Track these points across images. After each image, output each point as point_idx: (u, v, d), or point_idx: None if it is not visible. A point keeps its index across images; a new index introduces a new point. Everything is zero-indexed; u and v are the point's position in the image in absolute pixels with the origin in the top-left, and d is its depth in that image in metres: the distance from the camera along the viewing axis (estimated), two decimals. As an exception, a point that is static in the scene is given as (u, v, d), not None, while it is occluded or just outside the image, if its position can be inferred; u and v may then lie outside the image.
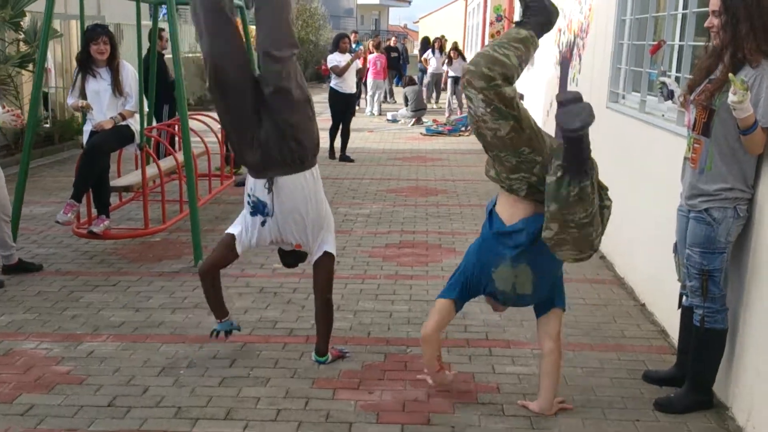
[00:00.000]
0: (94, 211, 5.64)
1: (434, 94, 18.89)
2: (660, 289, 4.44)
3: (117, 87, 5.33)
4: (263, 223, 3.64)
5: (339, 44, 10.38)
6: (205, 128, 7.79)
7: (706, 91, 3.19)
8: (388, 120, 15.71)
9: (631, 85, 5.68)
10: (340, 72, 10.13)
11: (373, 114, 16.64)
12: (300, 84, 3.50)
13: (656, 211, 4.56)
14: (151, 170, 6.33)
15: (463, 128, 13.45)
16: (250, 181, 3.62)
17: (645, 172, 4.89)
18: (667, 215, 4.34)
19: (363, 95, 17.27)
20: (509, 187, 3.14)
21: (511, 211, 3.16)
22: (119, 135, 5.38)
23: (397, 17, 59.02)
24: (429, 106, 18.94)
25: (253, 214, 3.64)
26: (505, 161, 3.08)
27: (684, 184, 3.39)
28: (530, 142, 3.03)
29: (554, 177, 2.90)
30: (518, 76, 3.11)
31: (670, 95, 3.67)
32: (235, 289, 4.97)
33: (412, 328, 4.31)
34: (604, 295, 4.94)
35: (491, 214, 3.24)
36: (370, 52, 17.11)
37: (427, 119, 15.44)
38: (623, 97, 5.87)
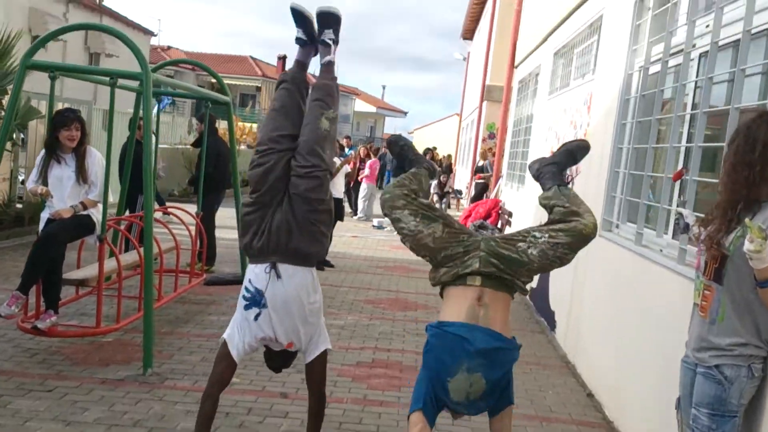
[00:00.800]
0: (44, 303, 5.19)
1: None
2: (655, 443, 3.99)
3: (82, 174, 5.01)
4: (257, 317, 3.53)
5: None
6: (178, 223, 7.43)
7: (717, 232, 2.87)
8: (373, 226, 15.48)
9: (626, 215, 5.42)
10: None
11: (361, 218, 16.45)
12: (329, 194, 3.63)
13: (654, 356, 4.16)
14: (126, 261, 5.95)
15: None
16: (250, 272, 3.55)
17: (641, 310, 4.53)
18: (668, 363, 3.94)
19: (351, 200, 17.17)
20: (512, 284, 3.32)
21: (503, 319, 3.25)
22: (78, 225, 5.01)
23: (392, 126, 60.49)
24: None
25: (247, 307, 3.54)
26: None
27: (691, 334, 3.02)
28: (463, 231, 3.41)
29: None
30: (425, 193, 3.62)
31: (685, 229, 3.35)
32: (183, 406, 4.45)
33: (375, 470, 3.81)
34: (593, 444, 4.47)
35: (466, 329, 3.14)
36: (362, 159, 17.13)
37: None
38: (617, 227, 5.60)
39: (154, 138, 8.34)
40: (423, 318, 7.34)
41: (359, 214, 16.73)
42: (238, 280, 7.94)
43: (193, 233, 7.32)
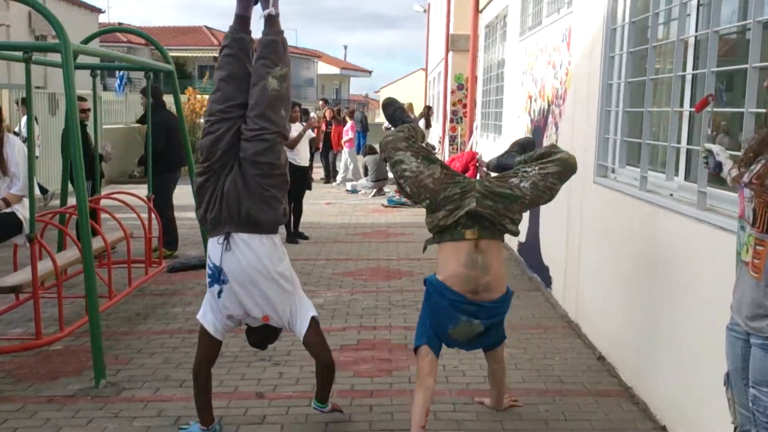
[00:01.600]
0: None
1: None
2: (685, 416, 3.49)
3: (1, 166, 4.30)
4: (219, 293, 3.43)
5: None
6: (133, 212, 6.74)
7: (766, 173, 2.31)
8: (347, 191, 14.84)
9: (624, 158, 4.85)
10: (291, 144, 9.17)
11: (340, 183, 15.81)
12: (282, 158, 3.49)
13: (673, 314, 3.64)
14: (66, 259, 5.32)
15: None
16: (209, 247, 3.47)
17: (652, 263, 4.00)
18: (693, 323, 3.42)
19: (326, 166, 16.52)
20: (503, 228, 3.57)
21: (499, 262, 3.55)
22: (1, 225, 4.32)
23: (358, 87, 59.33)
24: (391, 175, 18.26)
25: (210, 284, 3.46)
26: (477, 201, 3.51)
27: (740, 298, 2.46)
28: (454, 172, 3.66)
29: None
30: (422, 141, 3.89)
31: (716, 168, 2.79)
32: (141, 422, 3.85)
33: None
34: (614, 415, 3.93)
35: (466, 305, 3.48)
36: (327, 122, 16.39)
37: (388, 189, 14.61)
38: (613, 171, 5.05)
39: (91, 119, 7.62)
40: (408, 287, 6.78)
41: (338, 180, 16.04)
42: (203, 264, 7.32)
43: (147, 219, 6.64)
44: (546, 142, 6.76)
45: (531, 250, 7.28)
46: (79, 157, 4.31)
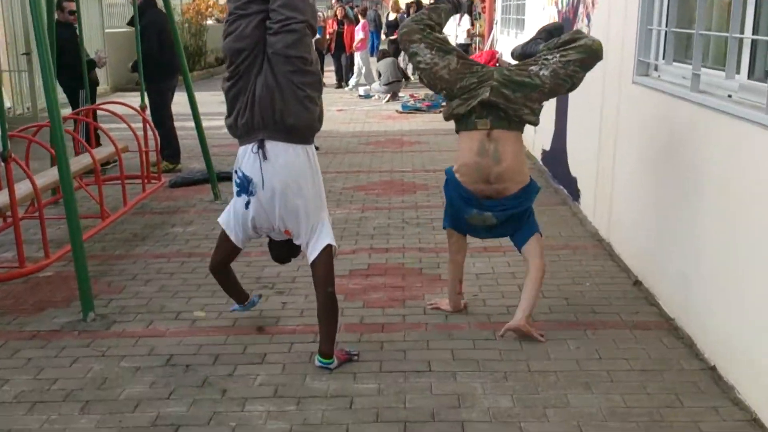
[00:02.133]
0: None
1: (410, 65, 17.30)
2: (737, 356, 3.05)
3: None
4: (247, 205, 3.32)
5: None
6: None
7: None
8: (359, 96, 14.16)
9: (672, 52, 4.22)
10: None
11: (353, 88, 15.07)
12: (314, 54, 3.29)
13: (728, 240, 3.13)
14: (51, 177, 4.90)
15: (443, 103, 11.95)
16: (239, 155, 3.32)
17: (702, 177, 3.47)
18: (749, 251, 2.93)
19: (339, 69, 15.76)
20: (519, 119, 3.55)
21: (514, 151, 3.56)
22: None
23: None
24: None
25: (238, 194, 3.35)
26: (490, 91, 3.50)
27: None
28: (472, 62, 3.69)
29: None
30: (441, 27, 3.76)
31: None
32: (131, 361, 3.49)
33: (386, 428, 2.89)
34: (656, 352, 3.50)
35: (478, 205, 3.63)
36: (338, 21, 15.47)
37: (403, 94, 13.92)
38: (656, 69, 4.43)
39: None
40: (423, 202, 6.31)
41: (351, 85, 15.29)
42: (206, 178, 6.89)
43: (143, 132, 6.15)
44: (576, 39, 6.08)
45: (557, 159, 6.73)
46: (47, 60, 3.78)
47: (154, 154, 6.53)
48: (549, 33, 3.90)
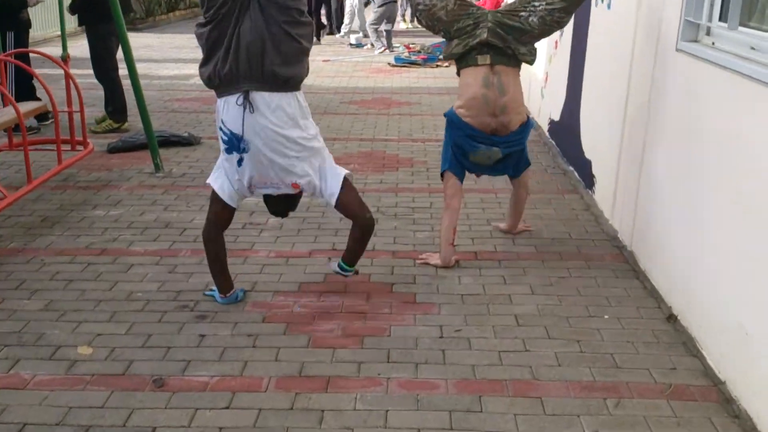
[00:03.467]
0: None
1: (408, 11, 15.97)
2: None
3: None
4: (240, 162, 3.09)
5: None
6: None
7: None
8: (350, 45, 12.91)
9: (738, 11, 3.10)
10: None
11: (345, 34, 13.75)
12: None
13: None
14: None
15: (441, 56, 10.72)
16: (218, 108, 3.08)
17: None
18: None
19: (330, 14, 14.43)
20: (516, 57, 3.74)
21: (515, 83, 3.73)
22: None
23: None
24: (404, 26, 16.14)
25: (228, 151, 3.11)
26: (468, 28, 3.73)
27: None
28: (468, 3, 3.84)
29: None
30: None
31: None
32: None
33: None
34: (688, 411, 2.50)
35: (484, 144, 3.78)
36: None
37: (398, 44, 12.68)
38: (708, 34, 3.33)
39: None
40: (405, 184, 5.24)
41: (342, 32, 13.97)
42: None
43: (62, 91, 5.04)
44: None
45: (567, 133, 5.64)
46: None
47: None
48: None
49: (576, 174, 5.30)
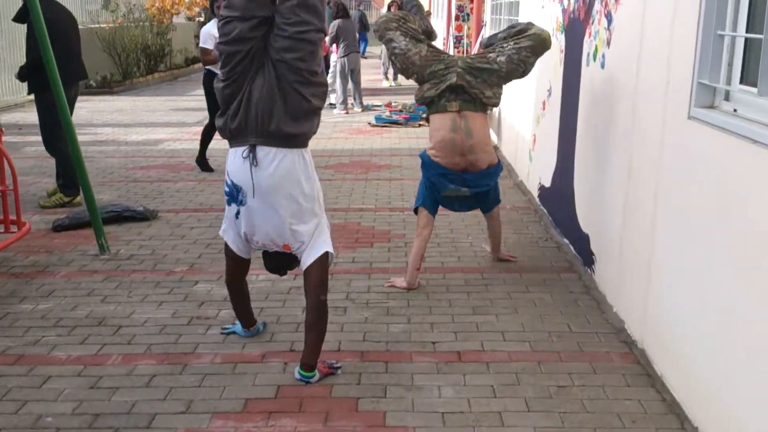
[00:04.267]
0: None
1: (391, 69, 15.65)
2: None
3: None
4: (237, 214, 3.10)
5: (215, 10, 6.67)
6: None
7: None
8: (330, 104, 12.45)
9: (755, 72, 2.60)
10: (213, 59, 6.63)
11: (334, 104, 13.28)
12: (321, 63, 3.07)
13: None
14: None
15: (423, 115, 10.29)
16: (228, 161, 3.08)
17: None
18: None
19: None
20: (482, 102, 4.14)
21: (482, 125, 4.13)
22: None
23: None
24: (386, 83, 15.82)
25: (228, 202, 3.14)
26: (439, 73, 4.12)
27: None
28: (439, 51, 4.26)
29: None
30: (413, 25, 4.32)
31: None
32: None
33: None
34: None
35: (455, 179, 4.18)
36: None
37: (380, 102, 12.29)
38: (727, 99, 2.82)
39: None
40: (380, 262, 4.66)
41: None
42: (108, 218, 5.31)
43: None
44: (590, 43, 4.47)
45: (560, 202, 5.11)
46: None
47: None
48: (520, 32, 4.28)
49: (572, 248, 4.74)
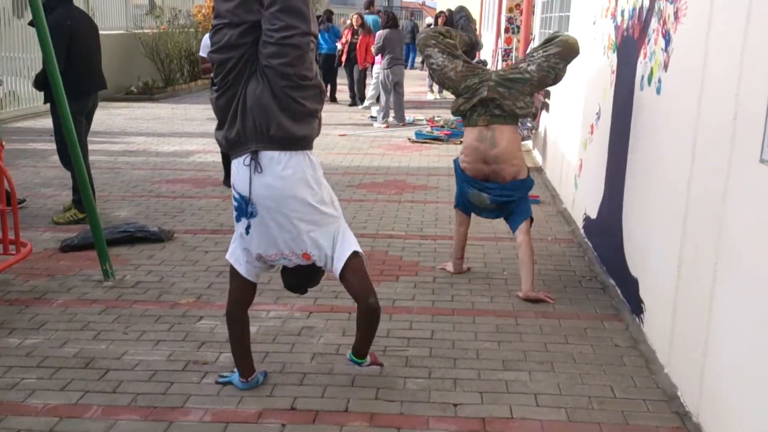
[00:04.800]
0: None
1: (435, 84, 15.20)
2: None
3: None
4: (248, 230, 2.97)
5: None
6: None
7: None
8: (371, 117, 12.10)
9: None
10: (208, 69, 6.23)
11: (366, 106, 12.94)
12: (315, 69, 2.97)
13: None
14: None
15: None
16: (233, 173, 3.00)
17: None
18: None
19: (352, 85, 13.72)
20: (513, 113, 4.30)
21: (510, 138, 4.28)
22: None
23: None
24: (431, 96, 15.41)
25: (237, 219, 3.01)
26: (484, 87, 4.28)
27: None
28: (475, 66, 4.50)
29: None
30: (452, 40, 4.53)
31: None
32: None
33: None
34: None
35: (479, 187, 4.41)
36: (353, 31, 13.49)
37: (422, 116, 11.89)
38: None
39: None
40: (403, 299, 4.23)
41: (366, 103, 13.15)
42: (118, 239, 5.05)
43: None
44: (645, 65, 3.98)
45: (606, 237, 4.61)
46: None
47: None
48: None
49: (619, 291, 4.24)
